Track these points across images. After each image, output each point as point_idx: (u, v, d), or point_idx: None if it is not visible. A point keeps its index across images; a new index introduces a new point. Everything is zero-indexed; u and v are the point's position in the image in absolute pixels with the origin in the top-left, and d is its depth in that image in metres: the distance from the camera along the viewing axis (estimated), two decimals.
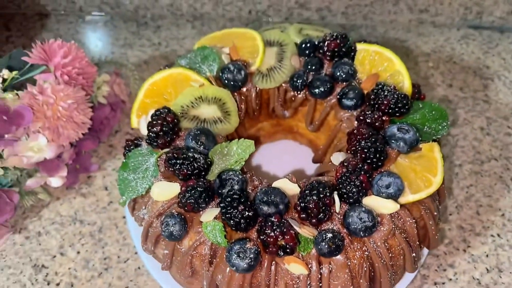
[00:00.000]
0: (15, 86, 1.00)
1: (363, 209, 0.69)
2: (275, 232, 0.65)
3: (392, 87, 0.82)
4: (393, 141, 0.76)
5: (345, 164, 0.72)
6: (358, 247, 0.69)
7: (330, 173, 0.78)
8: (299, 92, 0.91)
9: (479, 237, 0.96)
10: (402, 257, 0.73)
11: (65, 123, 0.93)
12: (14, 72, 0.96)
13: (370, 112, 0.80)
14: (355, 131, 0.77)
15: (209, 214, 0.69)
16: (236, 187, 0.72)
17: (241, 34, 0.96)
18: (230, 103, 0.86)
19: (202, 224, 0.70)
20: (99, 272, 0.91)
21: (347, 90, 0.85)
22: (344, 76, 0.88)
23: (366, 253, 0.69)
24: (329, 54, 0.90)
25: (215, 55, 0.91)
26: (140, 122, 0.84)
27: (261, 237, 0.66)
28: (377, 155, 0.74)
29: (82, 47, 1.24)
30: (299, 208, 0.69)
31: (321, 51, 0.91)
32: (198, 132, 0.78)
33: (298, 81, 0.90)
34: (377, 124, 0.79)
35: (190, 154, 0.73)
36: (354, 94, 0.84)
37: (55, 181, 0.98)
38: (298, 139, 1.04)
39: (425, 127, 0.82)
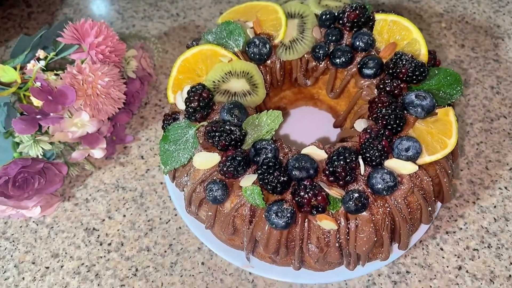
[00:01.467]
0: (49, 65, 1.06)
1: (385, 170, 0.77)
2: (308, 194, 0.74)
3: (409, 56, 0.87)
4: (411, 107, 0.83)
5: (368, 130, 0.80)
6: (381, 204, 0.78)
7: (353, 139, 0.86)
8: (320, 62, 0.97)
9: (488, 190, 1.05)
10: (419, 211, 0.82)
11: (104, 100, 1.00)
12: (52, 53, 1.02)
13: (389, 80, 0.86)
14: (376, 99, 0.84)
15: (248, 180, 0.78)
16: (269, 155, 0.80)
17: (263, 7, 1.01)
18: (257, 76, 0.93)
19: (242, 188, 0.78)
20: (145, 233, 1.02)
21: (367, 60, 0.91)
22: (363, 46, 0.93)
23: (388, 209, 0.78)
24: (348, 25, 0.94)
25: (240, 29, 0.96)
26: (176, 98, 0.91)
27: (296, 198, 0.75)
28: (397, 121, 0.81)
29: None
30: (327, 172, 0.78)
31: (341, 22, 0.96)
32: (232, 106, 0.85)
33: (320, 52, 0.95)
34: (396, 91, 0.86)
35: (227, 127, 0.81)
36: (374, 64, 0.90)
37: (97, 153, 1.07)
38: (318, 105, 1.11)
39: (441, 92, 0.88)
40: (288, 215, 0.74)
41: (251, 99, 0.92)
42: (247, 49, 0.95)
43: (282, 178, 0.76)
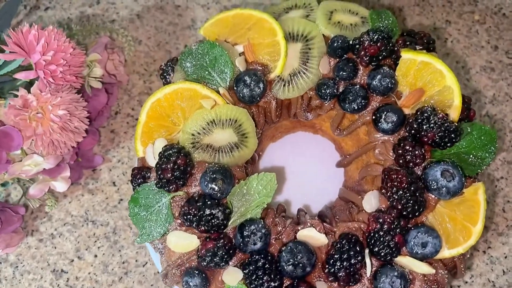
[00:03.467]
0: None
1: (396, 273, 0.65)
2: None
3: (440, 116, 0.69)
4: (434, 187, 0.68)
5: (380, 220, 0.66)
6: None
7: (360, 214, 0.72)
8: (326, 102, 0.78)
9: (501, 237, 0.94)
10: None
11: (60, 136, 0.82)
12: None
13: (410, 148, 0.70)
14: (392, 175, 0.68)
15: (233, 277, 0.66)
16: (258, 244, 0.67)
17: (257, 22, 0.78)
18: (247, 124, 0.75)
19: (225, 285, 0.66)
20: (119, 277, 0.92)
21: (385, 112, 0.73)
22: (382, 89, 0.74)
23: None
24: (366, 59, 0.74)
25: (227, 58, 0.75)
26: (146, 152, 0.74)
27: None
28: (416, 207, 0.66)
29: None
30: (328, 272, 0.65)
31: (356, 52, 0.75)
32: (214, 175, 0.69)
33: (327, 92, 0.76)
34: (417, 161, 0.70)
35: (208, 211, 0.66)
36: (394, 118, 0.72)
37: (60, 186, 0.92)
38: (320, 134, 0.94)
39: (471, 156, 0.72)
40: None
41: (239, 154, 0.75)
42: (235, 87, 0.75)
43: (273, 284, 0.64)
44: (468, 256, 0.73)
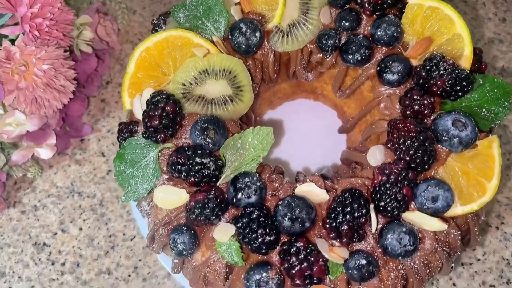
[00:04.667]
0: None
1: (404, 228, 0.58)
2: (302, 262, 0.56)
3: (449, 63, 0.64)
4: (445, 138, 0.62)
5: (386, 172, 0.60)
6: (394, 267, 0.61)
7: (364, 171, 0.66)
8: (328, 56, 0.74)
9: None
10: (439, 268, 0.65)
11: (44, 93, 0.77)
12: None
13: (418, 96, 0.64)
14: (399, 124, 0.63)
15: (224, 233, 0.60)
16: (253, 198, 0.61)
17: None
18: (242, 75, 0.70)
19: (216, 242, 0.60)
20: (105, 251, 0.86)
21: (390, 62, 0.68)
22: (387, 39, 0.69)
23: (402, 271, 0.61)
24: (370, 7, 0.69)
25: (222, 6, 0.71)
26: (134, 103, 0.69)
27: (285, 265, 0.57)
28: (425, 159, 0.61)
29: None
30: (328, 227, 0.59)
31: (359, 0, 0.71)
32: (206, 124, 0.63)
33: (328, 42, 0.71)
34: (425, 112, 0.64)
35: (198, 160, 0.60)
36: (399, 68, 0.67)
37: (44, 153, 0.87)
38: (321, 100, 0.89)
39: (483, 110, 0.67)
40: (274, 287, 0.57)
41: (234, 108, 0.70)
42: (230, 36, 0.70)
43: (268, 238, 0.58)
44: (483, 219, 0.67)
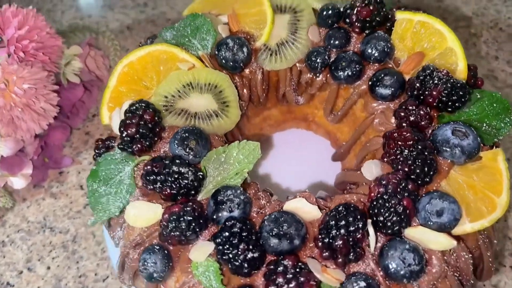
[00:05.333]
0: None
1: (407, 246, 0.51)
2: (290, 283, 0.48)
3: (444, 72, 0.62)
4: (446, 148, 0.57)
5: (383, 182, 0.54)
6: None
7: (360, 189, 0.60)
8: (318, 75, 0.71)
9: None
10: None
11: (22, 113, 0.74)
12: None
13: (413, 107, 0.61)
14: (395, 134, 0.58)
15: (201, 252, 0.52)
16: (236, 212, 0.54)
17: None
18: (229, 91, 0.67)
19: (192, 264, 0.52)
20: None
21: (382, 75, 0.65)
22: (377, 55, 0.67)
23: None
24: (359, 25, 0.68)
25: (210, 25, 0.70)
26: (112, 117, 0.65)
27: (270, 287, 0.49)
28: (426, 169, 0.55)
29: (52, 10, 1.02)
30: (321, 244, 0.52)
31: (347, 20, 0.70)
32: (186, 134, 0.59)
33: (317, 60, 0.69)
34: (422, 123, 0.60)
35: (175, 169, 0.55)
36: (392, 81, 0.64)
37: (18, 182, 0.81)
38: (313, 128, 0.85)
39: (484, 125, 0.62)
40: None
41: (219, 123, 0.66)
42: (216, 52, 0.69)
43: (251, 254, 0.50)
44: (495, 242, 0.60)
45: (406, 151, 0.56)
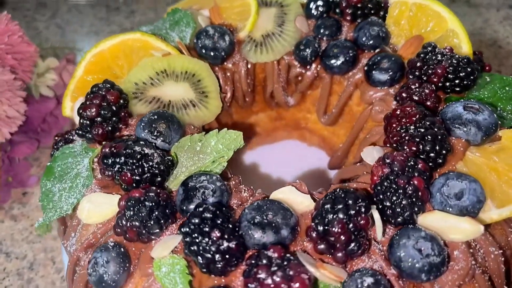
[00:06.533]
0: None
1: (423, 233, 0.41)
2: (275, 277, 0.37)
3: (447, 49, 0.55)
4: (458, 125, 0.49)
5: (387, 161, 0.45)
6: None
7: (361, 178, 0.50)
8: (308, 67, 0.65)
9: None
10: None
11: None
12: None
13: (417, 85, 0.53)
14: (397, 112, 0.50)
15: (165, 246, 0.42)
16: (210, 199, 0.44)
17: None
18: (208, 80, 0.59)
19: (154, 263, 0.42)
20: None
21: (378, 58, 0.58)
22: (372, 41, 0.61)
23: None
24: (350, 11, 0.63)
25: (189, 18, 0.65)
26: (74, 107, 0.57)
27: (250, 285, 0.38)
28: (437, 147, 0.46)
29: (38, 36, 0.99)
30: (315, 234, 0.41)
31: (337, 10, 0.65)
32: (155, 117, 0.51)
33: (307, 49, 0.63)
34: (428, 103, 0.52)
35: (138, 149, 0.46)
36: (390, 64, 0.58)
37: None
38: (306, 138, 0.77)
39: (498, 109, 0.54)
40: None
41: (197, 113, 0.58)
42: (195, 41, 0.63)
43: (226, 244, 0.39)
44: None
45: (412, 127, 0.48)
